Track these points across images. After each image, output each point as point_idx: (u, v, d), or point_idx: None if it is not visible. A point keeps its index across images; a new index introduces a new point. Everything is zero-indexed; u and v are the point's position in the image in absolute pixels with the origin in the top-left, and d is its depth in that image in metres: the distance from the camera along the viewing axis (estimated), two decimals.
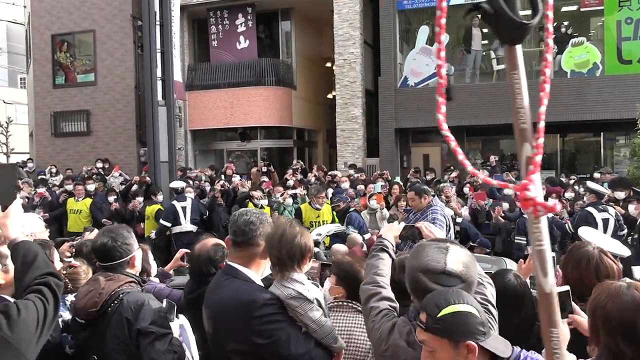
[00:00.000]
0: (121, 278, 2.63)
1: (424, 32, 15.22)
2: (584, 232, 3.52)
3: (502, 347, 1.73)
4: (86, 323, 2.63)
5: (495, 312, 2.19)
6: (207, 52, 17.88)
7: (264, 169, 12.42)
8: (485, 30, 15.01)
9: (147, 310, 2.50)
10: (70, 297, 2.93)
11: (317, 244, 6.48)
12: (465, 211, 9.56)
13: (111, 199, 10.79)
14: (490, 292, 2.24)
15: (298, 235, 2.40)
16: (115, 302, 2.55)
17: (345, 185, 10.83)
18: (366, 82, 15.93)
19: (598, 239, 3.41)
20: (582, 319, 2.41)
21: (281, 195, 9.93)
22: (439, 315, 1.68)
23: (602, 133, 15.47)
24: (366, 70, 16.04)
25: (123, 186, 12.23)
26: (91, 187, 11.10)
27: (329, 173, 12.54)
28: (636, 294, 1.97)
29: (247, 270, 2.51)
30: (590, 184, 8.79)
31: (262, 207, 9.40)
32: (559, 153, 16.17)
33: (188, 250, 3.70)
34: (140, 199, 10.96)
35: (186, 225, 9.49)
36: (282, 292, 2.34)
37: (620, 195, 8.59)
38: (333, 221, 8.47)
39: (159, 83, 11.57)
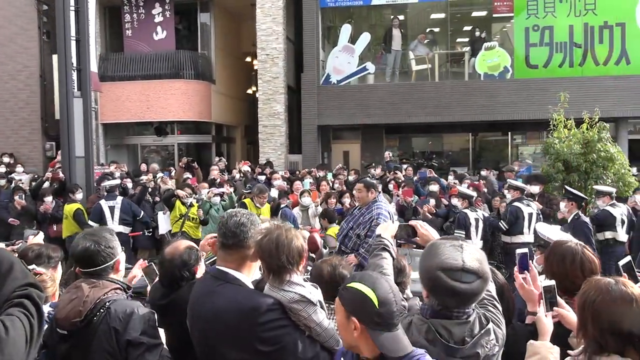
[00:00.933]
0: (106, 284, 2.41)
1: (346, 30, 15.40)
2: (542, 228, 3.70)
3: (389, 344, 1.81)
4: (68, 334, 2.39)
5: (499, 306, 2.24)
6: (120, 42, 17.02)
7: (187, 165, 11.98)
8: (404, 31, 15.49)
9: (137, 319, 2.31)
10: (45, 308, 2.65)
11: None
12: (392, 208, 9.79)
13: (17, 197, 9.98)
14: (493, 288, 2.30)
15: (294, 239, 2.33)
16: (102, 310, 2.33)
17: (278, 182, 10.70)
18: (288, 78, 15.88)
19: (554, 233, 3.59)
20: (566, 312, 2.51)
21: (207, 192, 9.64)
22: (347, 285, 1.92)
23: (509, 132, 16.48)
24: (288, 66, 15.99)
25: (34, 183, 11.33)
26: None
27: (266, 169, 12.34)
28: (624, 289, 2.07)
29: (239, 274, 2.39)
30: (511, 181, 9.33)
31: (191, 205, 9.09)
32: (471, 151, 17.04)
33: (149, 263, 3.45)
34: (50, 198, 10.21)
35: (113, 226, 8.97)
36: (284, 296, 2.24)
37: (535, 189, 9.18)
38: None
39: (75, 73, 10.85)
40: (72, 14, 10.82)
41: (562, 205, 6.67)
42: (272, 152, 15.27)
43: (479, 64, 14.90)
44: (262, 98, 15.30)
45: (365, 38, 15.28)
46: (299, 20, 16.17)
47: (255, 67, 19.32)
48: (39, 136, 15.91)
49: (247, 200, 8.38)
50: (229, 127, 19.29)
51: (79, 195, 10.00)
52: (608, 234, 8.22)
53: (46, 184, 10.82)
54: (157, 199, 10.31)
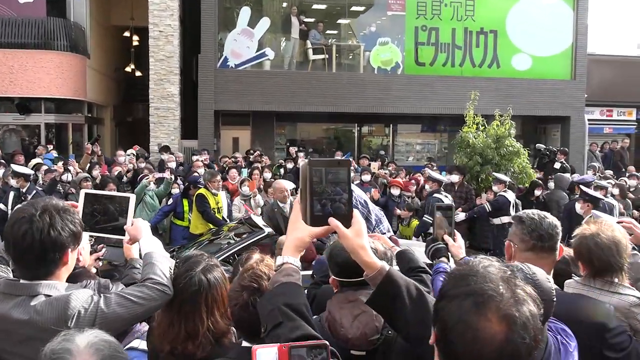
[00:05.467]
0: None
1: (245, 12, 14.92)
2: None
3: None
4: (366, 355, 2.11)
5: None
6: None
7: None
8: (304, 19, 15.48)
9: None
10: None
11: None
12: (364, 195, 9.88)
13: None
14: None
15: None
16: None
17: (201, 171, 10.05)
18: None
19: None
20: None
21: (143, 178, 8.81)
22: None
23: (391, 125, 17.49)
24: None
25: None
26: None
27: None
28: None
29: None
30: (430, 172, 9.96)
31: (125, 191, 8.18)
32: (356, 140, 17.75)
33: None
34: None
35: None
36: (621, 300, 2.25)
37: (455, 179, 9.96)
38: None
39: None
40: None
41: (578, 206, 7.29)
42: (164, 136, 14.26)
43: (373, 57, 15.52)
44: (155, 78, 14.18)
45: (264, 23, 14.97)
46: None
47: (135, 44, 17.87)
48: None
49: (202, 191, 7.78)
50: (99, 107, 17.52)
51: None
52: (505, 219, 9.29)
53: None
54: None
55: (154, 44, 14.15)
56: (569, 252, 2.65)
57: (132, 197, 2.46)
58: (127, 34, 18.04)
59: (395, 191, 9.72)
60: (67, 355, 1.30)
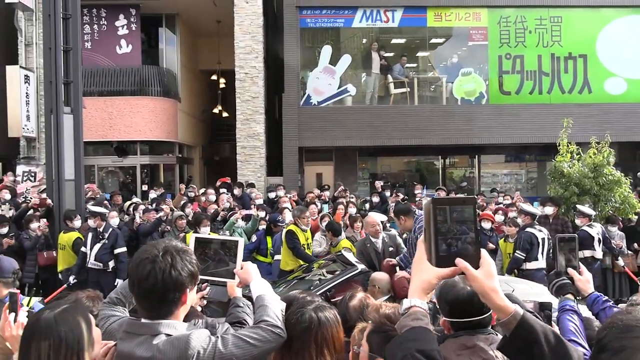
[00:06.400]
0: None
1: (326, 51, 15.23)
2: None
3: None
4: None
5: None
6: None
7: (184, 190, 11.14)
8: (384, 54, 15.58)
9: None
10: None
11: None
12: None
13: (3, 230, 8.73)
14: None
15: None
16: None
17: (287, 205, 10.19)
18: None
19: None
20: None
21: (236, 215, 9.03)
22: None
23: (476, 156, 17.04)
24: None
25: (12, 211, 9.98)
26: None
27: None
28: None
29: None
30: (523, 205, 9.50)
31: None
32: (440, 172, 17.42)
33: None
34: (36, 225, 9.06)
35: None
36: None
37: (549, 211, 9.44)
38: None
39: (62, 86, 9.78)
40: (61, 21, 9.80)
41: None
42: (251, 174, 14.64)
43: (456, 89, 15.30)
44: (241, 118, 14.69)
45: (345, 60, 15.20)
46: (274, 40, 15.86)
47: (222, 86, 18.67)
48: None
49: (292, 227, 7.83)
50: (189, 148, 18.35)
51: (77, 223, 9.00)
52: (587, 253, 8.65)
53: (30, 212, 9.56)
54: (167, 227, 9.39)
55: (240, 85, 14.70)
56: None
57: (241, 241, 2.50)
58: (214, 77, 18.91)
59: (487, 225, 9.35)
60: None
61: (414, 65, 16.32)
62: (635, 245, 9.70)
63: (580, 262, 2.48)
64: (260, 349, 2.04)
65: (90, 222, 8.61)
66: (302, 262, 7.56)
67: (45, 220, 9.34)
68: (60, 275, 8.79)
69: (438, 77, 16.02)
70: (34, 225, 9.03)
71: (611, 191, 10.13)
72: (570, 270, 2.48)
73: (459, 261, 1.47)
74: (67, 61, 9.90)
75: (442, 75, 15.85)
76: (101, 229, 8.40)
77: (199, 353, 1.90)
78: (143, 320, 2.01)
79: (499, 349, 1.63)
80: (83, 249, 8.39)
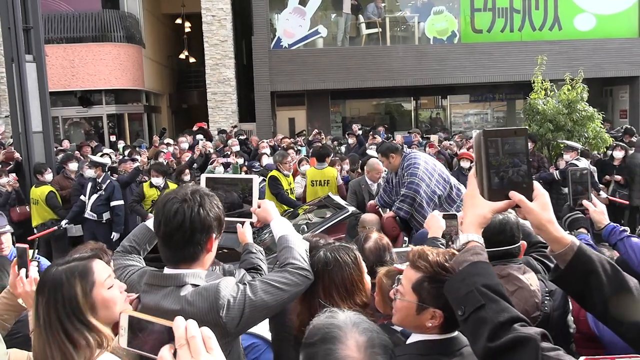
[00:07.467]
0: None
1: None
2: None
3: None
4: None
5: None
6: None
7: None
8: None
9: None
10: None
11: None
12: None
13: None
14: None
15: None
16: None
17: (267, 150, 10.05)
18: None
19: None
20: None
21: (211, 163, 8.87)
22: None
23: (448, 96, 17.06)
24: None
25: None
26: None
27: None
28: None
29: None
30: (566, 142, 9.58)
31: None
32: (413, 114, 17.42)
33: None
34: (5, 179, 8.74)
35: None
36: None
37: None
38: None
39: (22, 32, 9.22)
40: None
41: None
42: (223, 120, 14.36)
43: (428, 28, 15.10)
44: (210, 63, 14.25)
45: (315, 0, 14.77)
46: None
47: (187, 30, 18.01)
48: None
49: (274, 173, 7.72)
50: (156, 96, 17.80)
51: (49, 176, 8.67)
52: None
53: None
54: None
55: (207, 29, 14.18)
56: None
57: (256, 178, 2.39)
58: (178, 20, 18.19)
59: (465, 164, 9.41)
60: (337, 331, 1.26)
61: (384, 4, 15.99)
62: (607, 177, 9.96)
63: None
64: (290, 293, 1.98)
65: (91, 172, 8.33)
66: (286, 208, 7.51)
67: (14, 175, 8.98)
68: (35, 231, 8.56)
69: (411, 16, 15.74)
70: (2, 180, 8.68)
71: (584, 127, 10.30)
72: (585, 202, 2.48)
73: (513, 194, 1.42)
74: (26, 5, 9.32)
75: (414, 14, 15.58)
76: (100, 180, 8.15)
77: (229, 302, 1.83)
78: (166, 271, 1.93)
79: (552, 281, 1.61)
80: (82, 197, 8.17)
